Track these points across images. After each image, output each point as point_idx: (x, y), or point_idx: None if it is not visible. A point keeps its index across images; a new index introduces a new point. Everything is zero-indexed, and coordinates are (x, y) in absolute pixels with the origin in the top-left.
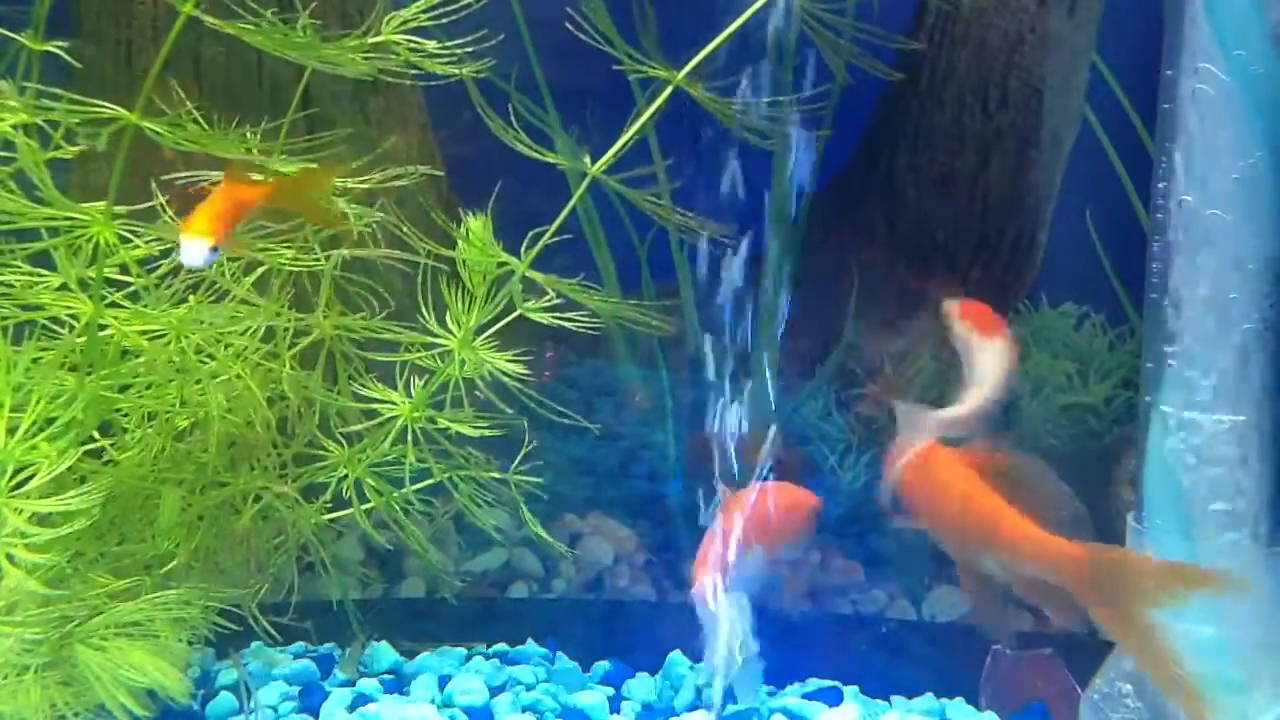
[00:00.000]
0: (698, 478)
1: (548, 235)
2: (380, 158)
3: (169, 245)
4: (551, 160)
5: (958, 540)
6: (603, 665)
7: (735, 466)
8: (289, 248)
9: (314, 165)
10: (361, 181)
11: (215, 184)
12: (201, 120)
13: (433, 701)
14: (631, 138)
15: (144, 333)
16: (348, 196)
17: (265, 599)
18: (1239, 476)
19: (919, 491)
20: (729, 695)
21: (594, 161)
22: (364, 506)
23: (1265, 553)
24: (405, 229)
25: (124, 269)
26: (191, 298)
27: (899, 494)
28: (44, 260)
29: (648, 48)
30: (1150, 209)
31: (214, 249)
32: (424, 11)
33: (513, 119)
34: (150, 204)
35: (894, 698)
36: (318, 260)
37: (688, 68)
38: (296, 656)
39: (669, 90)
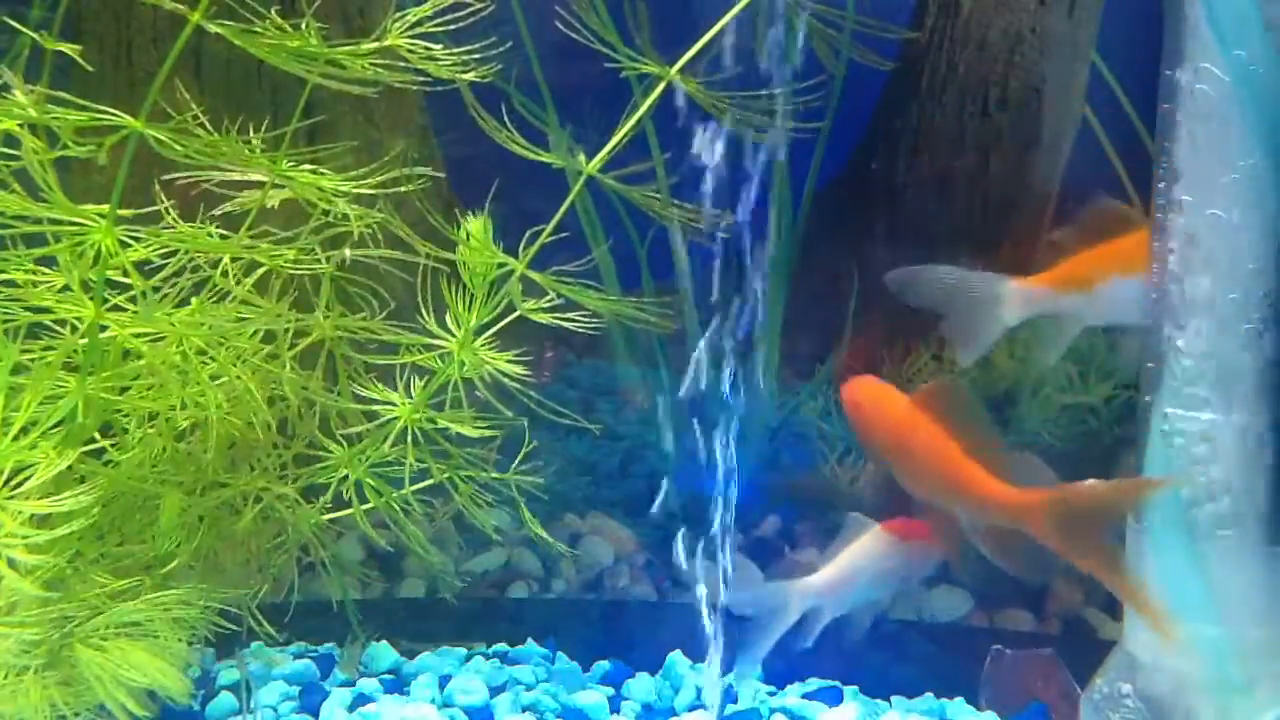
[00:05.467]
0: None
1: (545, 235)
2: (382, 159)
3: (171, 248)
4: (546, 160)
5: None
6: (603, 665)
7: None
8: (290, 249)
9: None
10: (360, 186)
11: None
12: (206, 125)
13: (433, 701)
14: (626, 135)
15: (145, 334)
16: (348, 197)
17: (265, 599)
18: (1239, 476)
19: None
20: (729, 695)
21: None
22: (364, 507)
23: (1265, 553)
24: (405, 231)
25: (126, 271)
26: (194, 300)
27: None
28: (45, 258)
29: (641, 44)
30: (1150, 209)
31: None
32: (431, 17)
33: (508, 119)
34: (152, 207)
35: (894, 698)
36: (318, 261)
37: (680, 63)
38: (296, 656)
39: (662, 86)
